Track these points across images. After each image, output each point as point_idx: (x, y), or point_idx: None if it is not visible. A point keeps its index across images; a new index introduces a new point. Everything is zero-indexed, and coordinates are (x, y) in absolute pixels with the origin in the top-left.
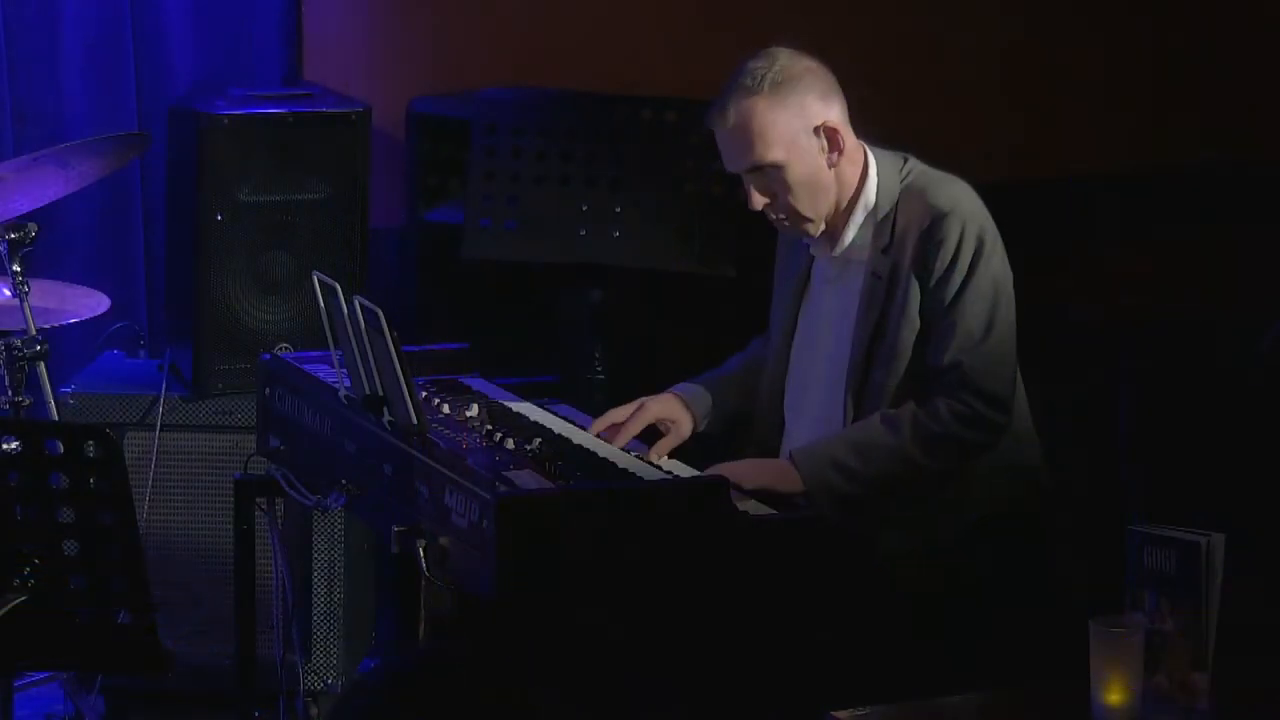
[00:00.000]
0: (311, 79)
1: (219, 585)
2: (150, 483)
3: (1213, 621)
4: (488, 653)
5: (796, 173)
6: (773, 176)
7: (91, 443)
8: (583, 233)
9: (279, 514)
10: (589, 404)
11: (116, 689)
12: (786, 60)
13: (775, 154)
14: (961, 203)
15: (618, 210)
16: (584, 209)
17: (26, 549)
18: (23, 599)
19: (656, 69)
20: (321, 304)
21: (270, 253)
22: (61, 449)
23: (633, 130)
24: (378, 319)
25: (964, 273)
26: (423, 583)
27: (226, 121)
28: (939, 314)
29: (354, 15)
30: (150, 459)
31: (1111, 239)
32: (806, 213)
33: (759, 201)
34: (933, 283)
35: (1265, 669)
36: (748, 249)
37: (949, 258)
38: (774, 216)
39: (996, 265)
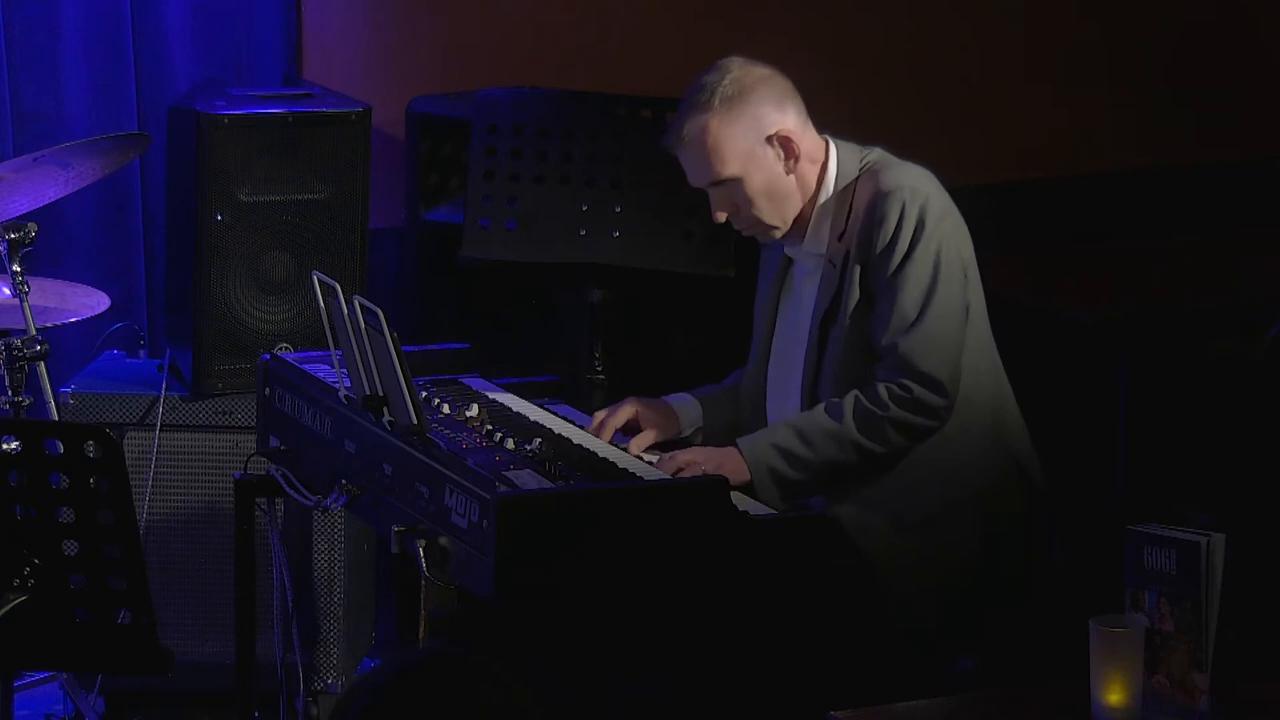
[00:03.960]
0: (311, 79)
1: (219, 585)
2: (150, 483)
3: (1213, 621)
4: (488, 653)
5: (755, 184)
6: (733, 190)
7: (91, 443)
8: (583, 233)
9: (279, 514)
10: (589, 404)
11: (116, 689)
12: (738, 71)
13: (732, 168)
14: (906, 181)
15: (618, 210)
16: (584, 209)
17: (26, 549)
18: (23, 599)
19: (656, 69)
20: (321, 304)
21: (270, 253)
22: (61, 449)
23: (633, 130)
24: (378, 319)
25: (902, 252)
26: (423, 583)
27: (226, 121)
28: (880, 292)
29: (354, 15)
30: (150, 459)
31: (1112, 239)
32: (770, 221)
33: (720, 215)
34: (872, 262)
35: (1265, 669)
36: (748, 249)
37: (888, 236)
38: (737, 227)
39: (940, 246)
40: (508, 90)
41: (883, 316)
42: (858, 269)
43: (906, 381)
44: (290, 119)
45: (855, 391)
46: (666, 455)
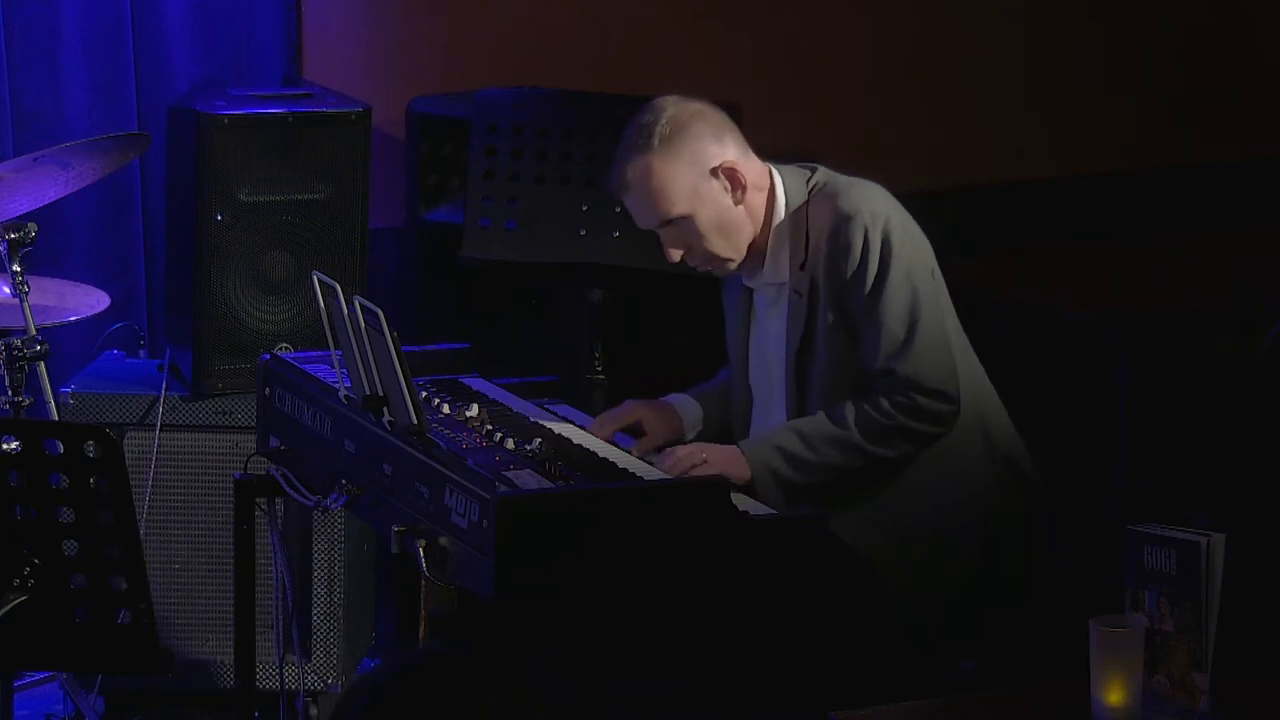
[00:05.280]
0: (311, 79)
1: (219, 585)
2: (150, 483)
3: (1213, 621)
4: (488, 653)
5: (705, 219)
6: (684, 228)
7: (91, 443)
8: (583, 233)
9: (279, 514)
10: (589, 404)
11: (116, 689)
12: (674, 109)
13: (680, 207)
14: (864, 204)
15: (618, 210)
16: (584, 209)
17: (26, 549)
18: (23, 599)
19: (656, 69)
20: (321, 304)
21: (270, 253)
22: (61, 449)
23: None
24: (378, 319)
25: (874, 274)
26: (423, 583)
27: (226, 121)
28: (860, 319)
29: (354, 15)
30: (150, 459)
31: (1112, 239)
32: (725, 254)
33: (675, 254)
34: (846, 289)
35: (1265, 669)
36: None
37: (855, 262)
38: (693, 265)
39: (909, 260)
40: (508, 90)
41: (871, 342)
42: (829, 298)
43: (911, 393)
44: (290, 119)
45: (854, 400)
46: (667, 450)
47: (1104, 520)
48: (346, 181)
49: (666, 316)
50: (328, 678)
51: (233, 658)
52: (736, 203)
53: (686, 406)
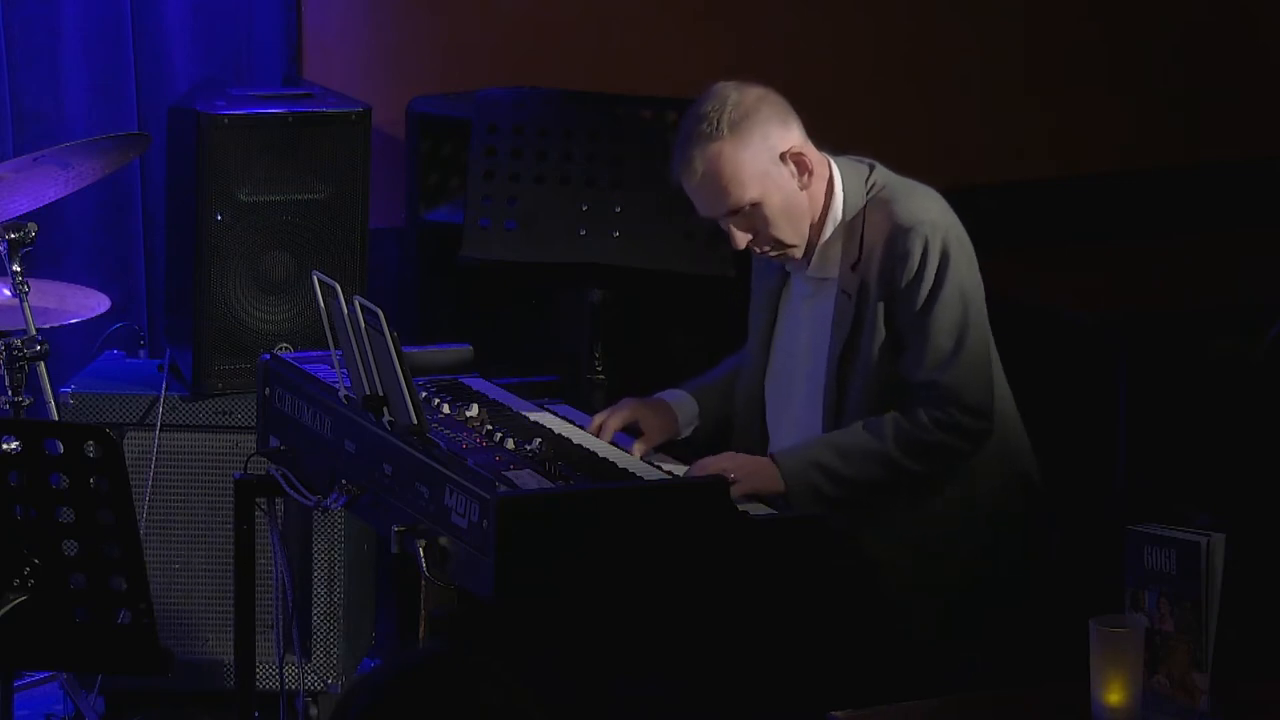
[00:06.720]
0: (311, 79)
1: (219, 585)
2: (150, 483)
3: (1213, 621)
4: (488, 653)
5: (774, 205)
6: (753, 214)
7: (91, 443)
8: (583, 233)
9: (279, 514)
10: (589, 404)
11: (116, 689)
12: (737, 95)
13: (751, 193)
14: (925, 215)
15: (618, 210)
16: (584, 209)
17: (26, 549)
18: (23, 599)
19: (656, 69)
20: (321, 304)
21: (270, 253)
22: (61, 449)
23: (633, 130)
24: (378, 319)
25: (930, 286)
26: (423, 583)
27: (226, 121)
28: (909, 328)
29: (354, 15)
30: (150, 459)
31: (1112, 239)
32: (790, 240)
33: (743, 240)
34: (898, 298)
35: (1265, 669)
36: (748, 249)
37: (913, 272)
38: (759, 250)
39: (964, 274)
40: (508, 90)
41: (918, 352)
42: (880, 305)
43: (951, 409)
44: (290, 119)
45: (894, 413)
46: (697, 464)
47: (1104, 520)
48: (346, 181)
49: (666, 316)
50: (328, 678)
51: (233, 658)
52: (802, 188)
53: (682, 403)
